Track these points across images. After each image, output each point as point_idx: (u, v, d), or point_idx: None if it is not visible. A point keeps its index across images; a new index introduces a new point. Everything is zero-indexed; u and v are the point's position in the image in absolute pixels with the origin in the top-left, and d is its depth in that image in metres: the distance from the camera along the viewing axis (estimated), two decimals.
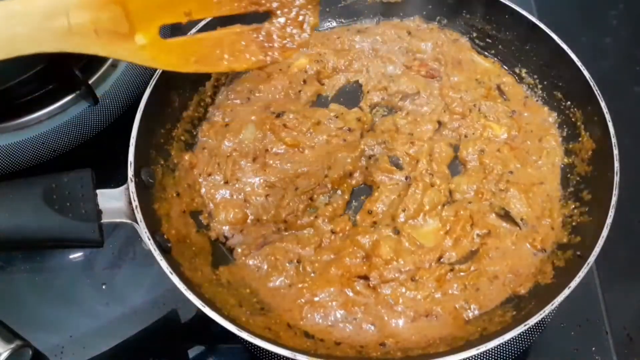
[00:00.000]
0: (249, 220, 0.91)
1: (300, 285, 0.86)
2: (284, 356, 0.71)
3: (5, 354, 0.71)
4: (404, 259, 0.87)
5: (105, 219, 0.77)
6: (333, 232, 0.90)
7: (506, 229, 0.91)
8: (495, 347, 0.75)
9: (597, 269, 0.95)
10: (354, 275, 0.86)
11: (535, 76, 1.05)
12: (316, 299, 0.84)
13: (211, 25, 0.73)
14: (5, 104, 0.98)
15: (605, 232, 0.79)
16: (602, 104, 0.90)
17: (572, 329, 0.91)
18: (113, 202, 0.78)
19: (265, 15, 0.72)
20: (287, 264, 0.87)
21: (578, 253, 0.83)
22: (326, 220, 0.91)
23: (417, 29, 1.12)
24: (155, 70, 0.89)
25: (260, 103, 1.03)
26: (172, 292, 0.74)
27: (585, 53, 0.96)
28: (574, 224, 0.90)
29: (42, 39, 0.57)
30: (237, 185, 0.94)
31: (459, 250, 0.89)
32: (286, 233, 0.90)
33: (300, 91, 1.05)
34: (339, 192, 0.94)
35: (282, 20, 0.71)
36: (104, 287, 0.95)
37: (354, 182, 0.95)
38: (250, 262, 0.88)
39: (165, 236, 0.83)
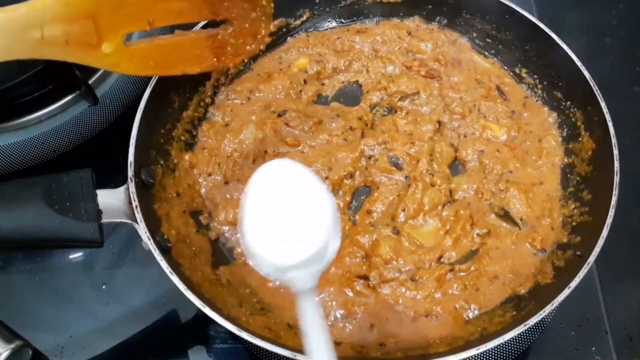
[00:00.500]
0: None
1: None
2: (284, 356, 0.71)
3: (5, 354, 0.71)
4: (403, 258, 0.87)
5: (105, 219, 0.77)
6: None
7: (506, 229, 0.91)
8: (495, 347, 0.75)
9: (597, 269, 0.95)
10: (353, 275, 0.86)
11: (535, 76, 1.05)
12: (316, 299, 0.84)
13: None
14: (5, 104, 0.98)
15: (605, 232, 0.79)
16: (602, 104, 0.90)
17: (572, 329, 0.91)
18: (113, 202, 0.78)
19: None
20: None
21: (578, 253, 0.83)
22: None
23: (417, 29, 1.12)
24: None
25: (260, 103, 1.03)
26: (172, 292, 0.74)
27: (585, 53, 0.96)
28: (574, 224, 0.90)
29: (15, 49, 0.61)
30: (237, 186, 0.94)
31: (459, 250, 0.89)
32: None
33: (301, 91, 1.05)
34: (340, 192, 0.94)
35: (236, 29, 0.74)
36: (104, 287, 0.95)
37: (355, 182, 0.95)
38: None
39: (165, 236, 0.83)
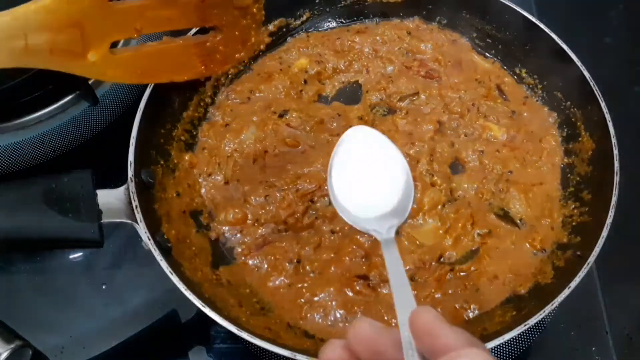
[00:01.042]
0: (248, 221, 0.91)
1: (300, 285, 0.86)
2: (284, 356, 0.71)
3: (5, 354, 0.71)
4: (403, 258, 0.86)
5: (105, 219, 0.77)
6: (333, 231, 0.90)
7: (506, 228, 0.91)
8: (495, 347, 0.75)
9: (597, 269, 0.95)
10: (353, 275, 0.86)
11: (535, 76, 1.05)
12: (316, 298, 0.84)
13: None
14: (5, 104, 0.98)
15: (605, 232, 0.79)
16: (602, 104, 0.90)
17: (572, 329, 0.91)
18: (113, 202, 0.78)
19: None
20: (287, 264, 0.87)
21: (578, 253, 0.83)
22: (326, 221, 0.91)
23: (417, 29, 1.12)
24: None
25: (260, 103, 1.03)
26: (172, 292, 0.74)
27: (585, 53, 0.96)
28: (574, 224, 0.90)
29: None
30: (237, 186, 0.94)
31: (459, 250, 0.89)
32: (286, 233, 0.90)
33: (301, 91, 1.05)
34: None
35: (225, 36, 0.73)
36: (104, 287, 0.95)
37: None
38: (250, 262, 0.88)
39: (165, 236, 0.83)
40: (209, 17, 0.74)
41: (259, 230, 0.90)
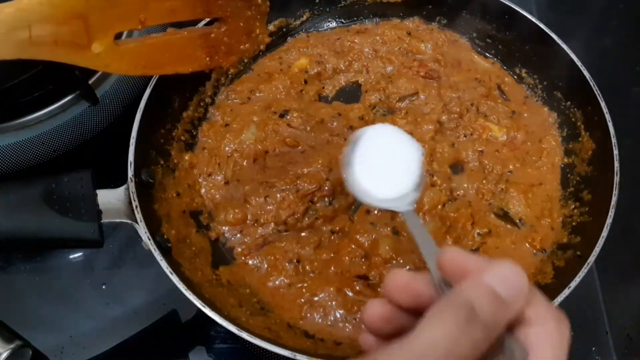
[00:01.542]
0: (248, 221, 0.91)
1: (299, 285, 0.86)
2: (284, 356, 0.71)
3: (5, 354, 0.71)
4: (403, 258, 0.87)
5: (105, 219, 0.77)
6: (332, 231, 0.90)
7: (506, 228, 0.91)
8: None
9: (597, 269, 0.95)
10: (353, 275, 0.86)
11: (535, 76, 1.05)
12: (316, 298, 0.84)
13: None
14: (5, 104, 0.98)
15: (605, 232, 0.79)
16: (602, 104, 0.90)
17: (572, 329, 0.91)
18: (113, 202, 0.78)
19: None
20: (287, 264, 0.87)
21: (578, 253, 0.83)
22: (326, 222, 0.91)
23: (417, 29, 1.12)
24: None
25: (261, 103, 1.03)
26: (172, 292, 0.74)
27: (585, 53, 0.96)
28: (574, 224, 0.90)
29: (3, 49, 0.59)
30: (237, 186, 0.94)
31: None
32: (286, 233, 0.90)
33: (301, 90, 1.05)
34: (346, 196, 0.94)
35: (230, 27, 0.72)
36: (104, 287, 0.95)
37: None
38: (250, 262, 0.88)
39: (165, 236, 0.83)
40: (213, 8, 0.73)
41: (259, 230, 0.90)
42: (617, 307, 0.93)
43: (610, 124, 0.88)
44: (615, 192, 0.82)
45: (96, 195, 0.77)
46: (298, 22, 1.12)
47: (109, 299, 0.94)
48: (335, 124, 1.00)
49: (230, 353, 0.90)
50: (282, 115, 1.00)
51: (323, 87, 1.06)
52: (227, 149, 0.97)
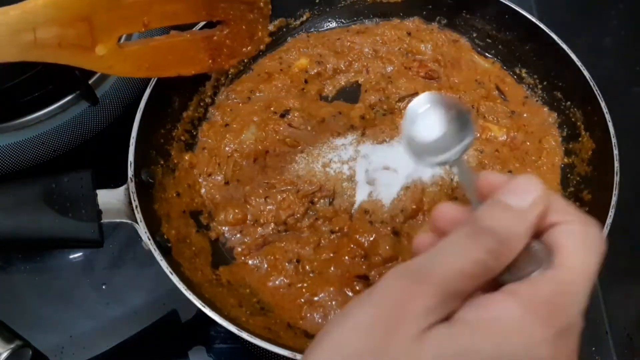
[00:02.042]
0: (248, 221, 0.91)
1: (299, 285, 0.86)
2: (284, 356, 0.71)
3: (5, 354, 0.71)
4: (403, 257, 0.87)
5: (105, 219, 0.77)
6: (332, 231, 0.90)
7: None
8: None
9: None
10: (353, 275, 0.86)
11: (535, 76, 1.05)
12: (316, 298, 0.84)
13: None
14: (5, 104, 0.98)
15: (605, 232, 0.79)
16: (602, 104, 0.90)
17: None
18: (113, 202, 0.78)
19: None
20: (287, 264, 0.87)
21: None
22: (327, 222, 0.91)
23: (417, 29, 1.12)
24: None
25: (261, 103, 1.03)
26: (172, 292, 0.74)
27: (585, 53, 0.96)
28: None
29: (6, 51, 0.59)
30: (237, 186, 0.94)
31: None
32: (286, 233, 0.90)
33: (303, 89, 1.05)
34: (345, 195, 0.94)
35: (232, 30, 0.75)
36: (104, 287, 0.95)
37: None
38: (250, 262, 0.88)
39: (165, 236, 0.83)
40: (216, 11, 0.74)
41: (259, 230, 0.90)
42: (617, 307, 0.93)
43: (610, 124, 0.88)
44: (615, 192, 0.82)
45: (96, 195, 0.77)
46: (298, 22, 1.12)
47: (109, 299, 0.94)
48: (336, 123, 1.00)
49: (230, 353, 0.90)
50: (282, 115, 1.00)
51: (324, 86, 1.06)
52: (227, 149, 0.97)
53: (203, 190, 0.95)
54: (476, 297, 0.44)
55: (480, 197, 0.51)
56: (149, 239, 0.77)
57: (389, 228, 0.90)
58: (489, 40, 1.09)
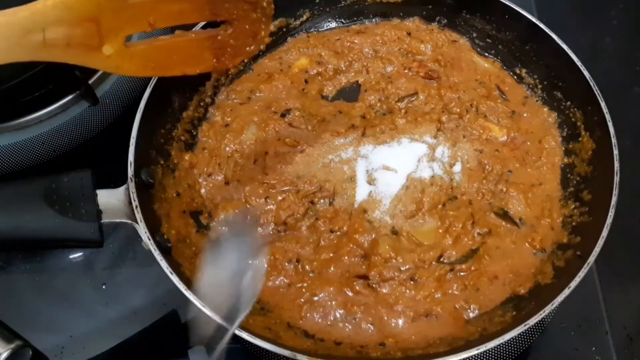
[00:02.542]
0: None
1: (299, 285, 0.86)
2: (284, 356, 0.71)
3: (5, 354, 0.71)
4: (403, 257, 0.87)
5: (105, 219, 0.77)
6: (332, 231, 0.90)
7: (506, 228, 0.91)
8: (495, 347, 0.75)
9: (597, 269, 0.95)
10: (353, 275, 0.86)
11: (535, 76, 1.05)
12: (316, 298, 0.84)
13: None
14: (5, 104, 0.98)
15: (605, 232, 0.79)
16: (602, 104, 0.90)
17: (572, 329, 0.91)
18: (113, 202, 0.79)
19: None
20: (287, 264, 0.87)
21: (578, 253, 0.83)
22: (327, 222, 0.91)
23: (417, 29, 1.12)
24: None
25: (261, 103, 1.03)
26: (172, 292, 0.74)
27: (585, 53, 0.96)
28: (574, 224, 0.90)
29: (16, 52, 0.60)
30: (237, 186, 0.94)
31: (459, 249, 0.89)
32: (285, 233, 0.90)
33: (303, 89, 1.05)
34: (346, 195, 0.93)
35: (236, 30, 0.76)
36: (104, 287, 0.95)
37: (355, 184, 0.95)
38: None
39: (165, 236, 0.83)
40: (220, 11, 0.75)
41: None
42: (617, 307, 0.93)
43: (610, 124, 0.88)
44: (615, 192, 0.82)
45: (96, 195, 0.77)
46: (298, 22, 1.12)
47: (109, 299, 0.94)
48: (336, 123, 1.00)
49: (230, 353, 0.90)
50: (283, 115, 1.00)
51: (324, 87, 1.06)
52: (227, 149, 0.97)
53: (203, 190, 0.95)
54: None
55: None
56: (149, 239, 0.77)
57: (388, 228, 0.90)
58: (489, 40, 1.09)
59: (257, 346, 0.72)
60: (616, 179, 0.83)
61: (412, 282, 0.86)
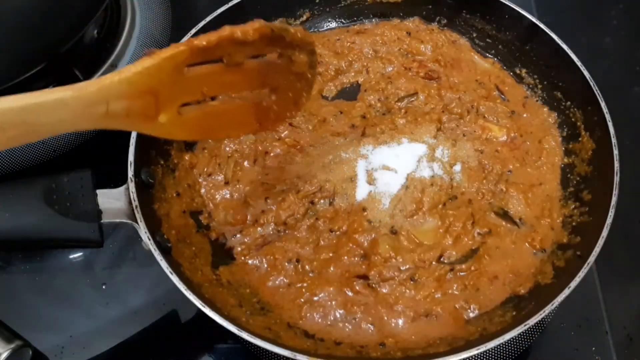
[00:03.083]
0: (248, 221, 0.91)
1: (299, 285, 0.86)
2: (284, 356, 0.71)
3: (5, 354, 0.71)
4: (402, 257, 0.87)
5: (105, 219, 0.77)
6: (332, 230, 0.90)
7: (506, 228, 0.91)
8: (495, 347, 0.75)
9: (597, 269, 0.95)
10: (353, 275, 0.86)
11: (535, 76, 1.05)
12: (315, 298, 0.84)
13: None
14: None
15: (605, 232, 0.79)
16: (602, 104, 0.90)
17: (572, 329, 0.91)
18: (113, 202, 0.79)
19: None
20: (286, 264, 0.87)
21: (578, 253, 0.83)
22: (327, 222, 0.91)
23: (417, 29, 1.12)
24: None
25: None
26: (172, 292, 0.74)
27: (585, 53, 0.96)
28: (574, 224, 0.90)
29: (78, 122, 0.62)
30: (237, 186, 0.94)
31: (459, 249, 0.89)
32: (285, 233, 0.90)
33: None
34: (345, 195, 0.93)
35: (279, 97, 0.79)
36: (104, 287, 0.95)
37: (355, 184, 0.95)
38: (250, 262, 0.88)
39: (165, 236, 0.83)
40: (268, 81, 0.78)
41: (259, 230, 0.90)
42: (617, 307, 0.93)
43: (610, 124, 0.88)
44: (615, 192, 0.82)
45: (96, 195, 0.77)
46: (298, 22, 1.12)
47: (109, 299, 0.94)
48: (336, 122, 1.00)
49: (230, 353, 0.90)
50: None
51: (324, 87, 1.06)
52: (227, 149, 0.97)
53: (203, 190, 0.95)
54: None
55: None
56: (149, 239, 0.77)
57: (388, 228, 0.90)
58: (489, 40, 1.09)
59: (257, 346, 0.72)
60: (616, 179, 0.83)
61: (412, 282, 0.86)
